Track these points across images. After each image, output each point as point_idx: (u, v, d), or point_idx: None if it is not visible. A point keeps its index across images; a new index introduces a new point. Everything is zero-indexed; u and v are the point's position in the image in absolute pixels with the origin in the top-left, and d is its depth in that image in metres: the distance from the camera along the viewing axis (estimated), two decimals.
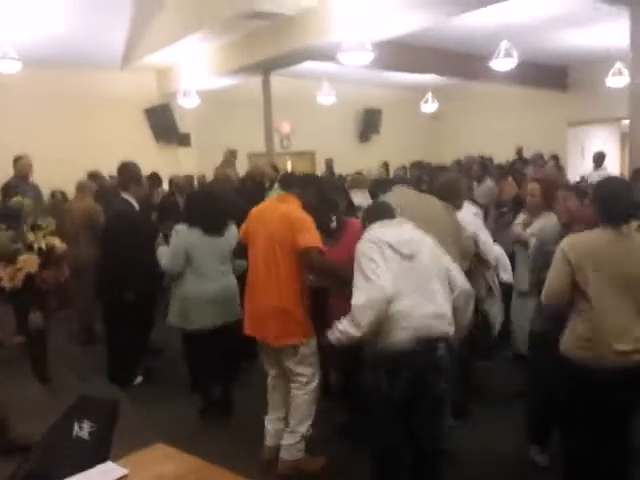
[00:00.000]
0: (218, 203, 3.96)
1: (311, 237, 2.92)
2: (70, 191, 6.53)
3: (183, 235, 3.76)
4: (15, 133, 8.47)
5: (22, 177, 6.12)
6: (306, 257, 2.92)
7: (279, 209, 3.09)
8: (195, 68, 9.77)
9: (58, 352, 4.74)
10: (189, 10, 7.86)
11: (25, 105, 9.22)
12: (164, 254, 3.88)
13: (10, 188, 5.75)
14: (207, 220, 3.79)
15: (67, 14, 7.89)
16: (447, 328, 2.59)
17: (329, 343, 2.71)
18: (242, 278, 3.73)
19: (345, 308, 2.67)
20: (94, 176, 6.91)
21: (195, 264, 3.74)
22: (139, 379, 4.46)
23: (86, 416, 2.46)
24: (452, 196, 3.45)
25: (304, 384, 3.08)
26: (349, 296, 2.59)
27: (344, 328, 2.58)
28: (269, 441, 3.20)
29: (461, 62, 10.54)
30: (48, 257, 4.23)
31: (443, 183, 3.60)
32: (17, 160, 6.18)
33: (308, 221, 2.99)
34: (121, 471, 1.77)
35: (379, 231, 2.68)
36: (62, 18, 7.97)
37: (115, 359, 4.42)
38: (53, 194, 7.41)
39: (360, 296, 2.53)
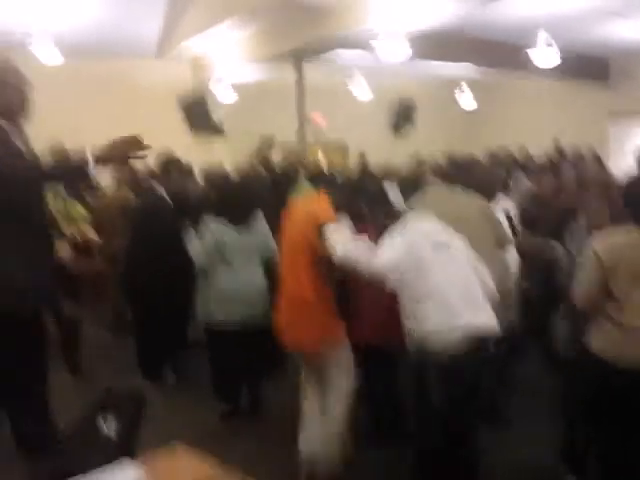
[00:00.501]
0: (243, 193, 3.89)
1: (327, 215, 2.89)
2: (105, 180, 6.59)
3: (212, 227, 3.72)
4: (52, 121, 8.58)
5: None
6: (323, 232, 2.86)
7: (307, 207, 3.09)
8: (229, 57, 9.76)
9: (92, 343, 4.78)
10: None
11: (61, 93, 9.34)
12: (194, 247, 3.84)
13: None
14: (232, 210, 3.73)
15: (103, 3, 7.95)
16: (494, 325, 2.55)
17: None
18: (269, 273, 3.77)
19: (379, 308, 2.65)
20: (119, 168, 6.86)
21: (224, 257, 3.69)
22: (171, 377, 4.42)
23: (112, 411, 2.46)
24: (487, 190, 3.39)
25: (339, 389, 2.98)
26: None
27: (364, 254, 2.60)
28: (305, 453, 3.02)
29: (498, 52, 10.27)
30: (80, 246, 4.28)
31: (477, 176, 3.54)
32: (52, 148, 6.23)
33: (332, 216, 2.92)
34: (137, 470, 1.75)
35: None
36: (99, 7, 8.04)
37: (146, 354, 4.41)
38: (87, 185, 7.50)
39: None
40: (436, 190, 3.51)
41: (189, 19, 8.86)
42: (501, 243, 3.32)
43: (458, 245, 2.67)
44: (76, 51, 8.66)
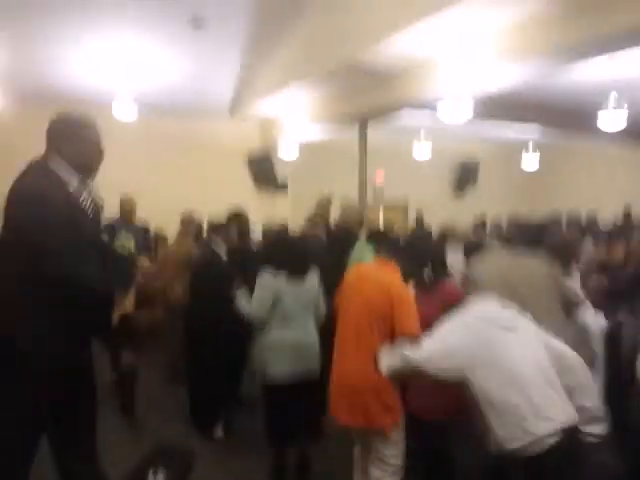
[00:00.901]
0: (300, 248, 3.92)
1: (413, 324, 2.77)
2: (172, 234, 6.84)
3: (269, 281, 3.70)
4: (125, 175, 9.07)
5: (126, 218, 6.35)
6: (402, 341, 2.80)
7: (379, 278, 2.96)
8: (295, 117, 10.12)
9: (146, 391, 4.84)
10: (294, 62, 8.20)
11: (135, 149, 9.92)
12: (248, 302, 3.84)
13: (113, 229, 5.91)
14: (290, 265, 3.73)
15: (179, 64, 8.51)
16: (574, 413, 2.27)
17: None
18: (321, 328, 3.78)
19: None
20: (186, 221, 6.96)
21: (280, 311, 3.68)
22: (220, 432, 4.37)
23: (162, 465, 2.47)
24: (565, 259, 3.26)
25: (388, 467, 2.87)
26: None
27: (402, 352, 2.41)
28: None
29: (565, 116, 10.17)
30: (144, 298, 4.39)
31: (556, 244, 3.41)
32: (122, 201, 6.44)
33: (411, 301, 2.85)
34: None
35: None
36: (175, 68, 8.60)
37: (197, 409, 4.43)
38: (156, 237, 7.82)
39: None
40: (499, 255, 3.40)
41: (260, 82, 9.33)
42: (569, 309, 3.16)
43: (525, 326, 2.45)
44: (153, 108, 9.22)
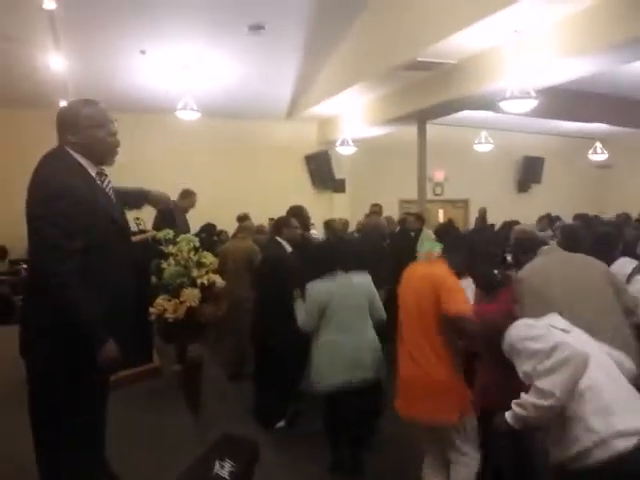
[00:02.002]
0: (348, 251, 3.98)
1: (460, 304, 2.77)
2: (230, 231, 7.00)
3: (319, 289, 3.64)
4: (188, 173, 9.33)
5: (183, 211, 6.41)
6: (457, 324, 2.78)
7: (428, 271, 2.98)
8: (353, 118, 10.12)
9: (210, 384, 4.96)
10: (351, 63, 8.22)
11: (199, 148, 10.21)
12: (300, 309, 3.81)
13: (170, 215, 5.95)
14: (337, 268, 3.69)
15: (239, 69, 8.70)
16: None
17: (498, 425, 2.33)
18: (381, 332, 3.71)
19: (494, 373, 2.47)
20: (243, 218, 7.00)
21: (332, 317, 3.59)
22: (282, 423, 4.46)
23: (228, 455, 2.53)
24: (603, 251, 3.13)
25: (465, 458, 2.85)
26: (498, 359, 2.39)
27: (528, 401, 2.17)
28: None
29: (633, 109, 9.71)
30: (209, 292, 4.51)
31: (597, 237, 3.28)
32: (188, 194, 6.47)
33: (454, 284, 2.84)
34: None
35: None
36: (235, 73, 8.80)
37: (262, 401, 4.51)
38: (219, 233, 8.01)
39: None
40: (557, 252, 3.24)
41: (318, 85, 9.40)
42: (628, 310, 3.01)
43: (578, 331, 2.33)
44: (215, 111, 9.46)
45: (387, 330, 3.76)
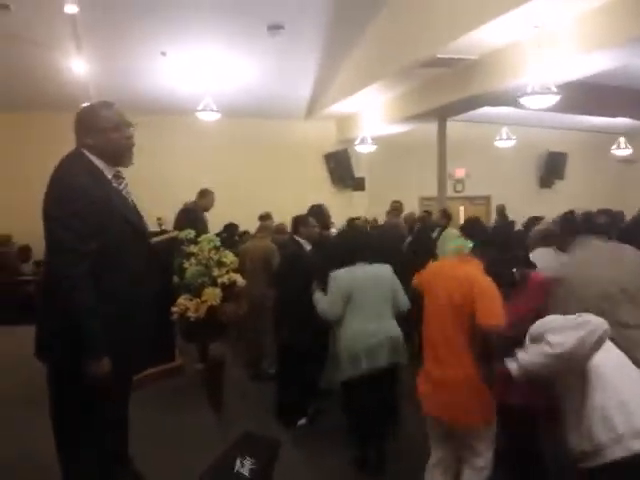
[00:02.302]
0: (370, 243, 3.99)
1: (496, 315, 2.66)
2: (251, 231, 7.03)
3: (343, 277, 3.72)
4: (209, 172, 9.40)
5: (202, 209, 6.46)
6: (485, 334, 2.73)
7: (460, 269, 2.88)
8: (372, 116, 10.10)
9: (232, 383, 5.00)
10: (371, 61, 8.20)
11: (219, 147, 10.29)
12: (321, 299, 3.86)
13: (193, 214, 6.10)
14: (361, 259, 3.77)
15: (259, 69, 8.74)
16: None
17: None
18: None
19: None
20: (264, 217, 6.93)
21: (357, 305, 3.67)
22: (303, 420, 4.50)
23: (249, 453, 2.55)
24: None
25: (479, 460, 2.80)
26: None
27: (535, 348, 2.13)
28: None
29: None
30: (230, 291, 4.55)
31: (628, 228, 3.19)
32: (206, 193, 6.51)
33: (494, 292, 2.74)
34: None
35: None
36: (255, 74, 8.84)
37: (283, 399, 4.53)
38: (243, 233, 8.07)
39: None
40: (595, 244, 3.04)
41: (337, 84, 9.40)
42: None
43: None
44: (234, 111, 9.52)
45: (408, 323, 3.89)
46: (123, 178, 2.43)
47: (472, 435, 2.83)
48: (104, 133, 2.30)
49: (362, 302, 3.67)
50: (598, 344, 2.06)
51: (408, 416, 4.00)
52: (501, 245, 3.15)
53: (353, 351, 3.63)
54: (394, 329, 3.73)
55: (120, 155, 2.39)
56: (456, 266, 2.93)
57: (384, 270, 3.82)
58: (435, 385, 2.87)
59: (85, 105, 2.50)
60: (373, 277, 3.74)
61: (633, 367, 2.18)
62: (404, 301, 3.83)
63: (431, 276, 3.06)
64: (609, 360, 2.14)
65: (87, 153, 2.30)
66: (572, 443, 2.13)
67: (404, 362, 3.73)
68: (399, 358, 3.69)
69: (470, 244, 3.06)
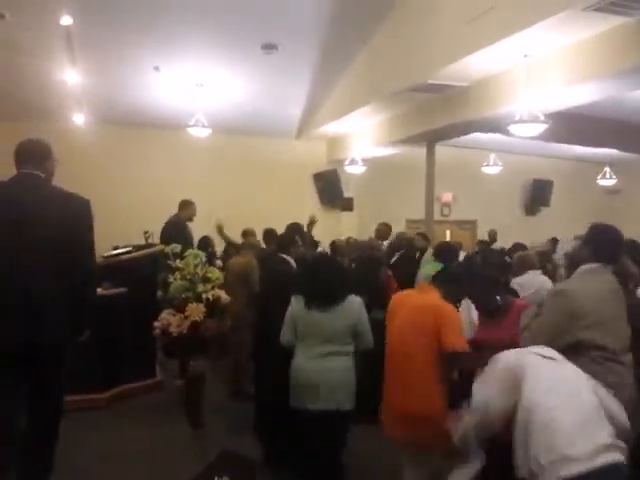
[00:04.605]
0: (333, 272, 3.36)
1: (458, 339, 2.75)
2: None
3: (294, 304, 3.36)
4: (198, 189, 9.38)
5: (186, 220, 6.60)
6: (452, 360, 2.77)
7: (419, 300, 2.96)
8: (363, 138, 10.19)
9: (212, 400, 4.93)
10: (362, 84, 8.30)
11: (210, 163, 10.30)
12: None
13: (177, 227, 6.24)
14: (313, 290, 3.29)
15: (251, 88, 8.82)
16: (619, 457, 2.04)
17: None
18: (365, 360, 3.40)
19: None
20: (247, 234, 6.89)
21: (299, 338, 3.30)
22: (283, 441, 4.16)
23: (226, 472, 2.52)
24: (623, 275, 3.07)
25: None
26: None
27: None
28: None
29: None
30: (213, 307, 4.52)
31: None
32: (187, 204, 6.67)
33: (454, 317, 2.82)
34: None
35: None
36: (248, 92, 8.92)
37: (261, 418, 4.42)
38: (227, 248, 8.03)
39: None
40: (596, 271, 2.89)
41: (329, 105, 9.50)
42: None
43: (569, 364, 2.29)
44: (224, 129, 9.56)
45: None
46: None
47: (437, 454, 2.82)
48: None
49: (307, 334, 3.26)
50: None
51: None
52: (457, 277, 3.14)
53: (294, 384, 3.30)
54: (337, 372, 3.18)
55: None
56: (419, 298, 3.00)
57: (348, 301, 3.25)
58: (395, 414, 2.89)
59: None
60: (325, 310, 3.22)
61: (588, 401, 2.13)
62: (366, 337, 3.27)
63: (395, 307, 3.10)
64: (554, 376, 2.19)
65: None
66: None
67: (345, 409, 3.16)
68: (338, 404, 3.13)
69: (439, 266, 3.10)
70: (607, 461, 1.95)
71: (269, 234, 6.02)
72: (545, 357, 2.26)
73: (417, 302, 2.96)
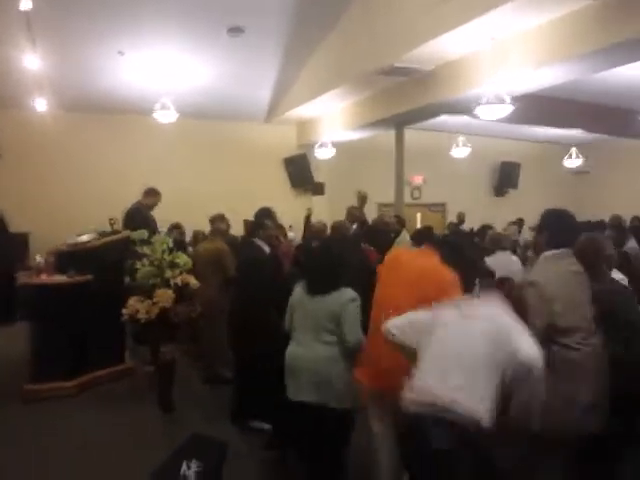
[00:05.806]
0: (326, 261, 3.30)
1: (446, 274, 2.70)
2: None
3: (294, 292, 3.36)
4: (166, 174, 9.27)
5: (148, 208, 6.59)
6: None
7: (419, 261, 2.87)
8: (332, 121, 10.17)
9: (184, 386, 4.93)
10: (330, 67, 8.26)
11: (177, 149, 10.17)
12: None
13: (141, 214, 6.22)
14: (308, 277, 3.31)
15: (218, 71, 8.69)
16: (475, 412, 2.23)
17: None
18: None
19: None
20: (217, 219, 6.65)
21: (294, 326, 3.30)
22: (267, 426, 4.13)
23: (196, 455, 2.53)
24: (590, 260, 3.09)
25: None
26: None
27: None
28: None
29: (609, 116, 9.91)
30: (182, 293, 4.50)
31: (582, 244, 3.20)
32: (152, 192, 6.68)
33: (458, 284, 2.73)
34: None
35: None
36: (213, 75, 8.79)
37: (240, 404, 4.33)
38: (196, 234, 7.96)
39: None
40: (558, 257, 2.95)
41: (297, 89, 9.43)
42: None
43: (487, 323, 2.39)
44: (192, 112, 9.42)
45: None
46: None
47: None
48: None
49: (298, 321, 3.26)
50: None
51: None
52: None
53: (286, 371, 3.26)
54: (321, 360, 3.08)
55: None
56: (415, 257, 2.95)
57: (340, 291, 3.16)
58: (371, 370, 2.90)
59: None
60: (316, 299, 3.19)
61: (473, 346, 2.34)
62: (352, 332, 3.06)
63: (389, 265, 3.05)
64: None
65: None
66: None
67: (334, 406, 3.02)
68: (325, 400, 3.02)
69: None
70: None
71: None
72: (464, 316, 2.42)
73: (418, 263, 2.87)
